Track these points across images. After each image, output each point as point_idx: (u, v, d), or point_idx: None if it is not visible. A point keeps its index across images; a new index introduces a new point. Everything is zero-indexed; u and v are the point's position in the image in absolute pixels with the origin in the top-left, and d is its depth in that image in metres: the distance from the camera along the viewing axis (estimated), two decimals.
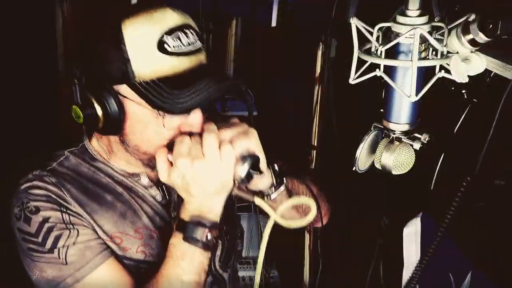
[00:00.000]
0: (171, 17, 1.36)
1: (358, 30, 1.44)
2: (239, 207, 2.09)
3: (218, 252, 1.68)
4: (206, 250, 1.39)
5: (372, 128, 1.60)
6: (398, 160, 1.53)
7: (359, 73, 1.49)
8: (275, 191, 1.52)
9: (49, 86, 3.29)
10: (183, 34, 1.36)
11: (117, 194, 1.57)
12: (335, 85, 2.85)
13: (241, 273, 3.22)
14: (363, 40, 1.47)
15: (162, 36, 1.32)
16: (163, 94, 1.31)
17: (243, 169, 1.36)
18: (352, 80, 1.50)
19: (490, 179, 1.77)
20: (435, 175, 2.11)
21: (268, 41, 3.78)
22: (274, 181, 1.53)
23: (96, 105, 1.36)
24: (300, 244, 3.22)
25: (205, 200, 1.37)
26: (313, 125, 3.12)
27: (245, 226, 3.11)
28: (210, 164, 1.32)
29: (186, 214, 1.39)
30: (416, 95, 1.39)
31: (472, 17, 1.33)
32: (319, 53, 3.03)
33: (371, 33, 1.45)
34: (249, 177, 1.38)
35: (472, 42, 1.34)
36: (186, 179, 1.33)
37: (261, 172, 1.42)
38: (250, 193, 1.45)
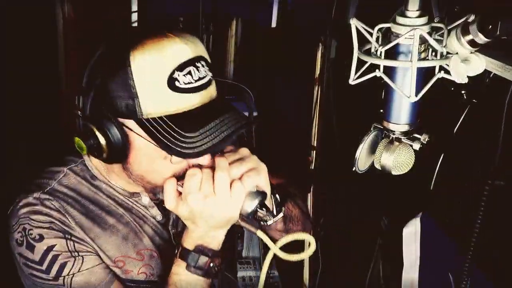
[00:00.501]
0: (182, 51, 1.28)
1: (357, 31, 1.45)
2: None
3: None
4: (208, 278, 1.40)
5: (372, 129, 1.60)
6: (398, 160, 1.53)
7: (359, 73, 1.49)
8: (273, 218, 1.51)
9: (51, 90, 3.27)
10: (194, 68, 1.29)
11: (119, 216, 1.55)
12: (335, 85, 2.86)
13: (240, 273, 3.22)
14: (363, 41, 1.47)
15: (173, 73, 1.25)
16: (172, 135, 1.25)
17: (251, 206, 1.36)
18: (352, 81, 1.49)
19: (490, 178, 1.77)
20: (435, 175, 2.11)
21: (268, 41, 3.77)
22: (274, 210, 1.52)
23: (98, 135, 1.30)
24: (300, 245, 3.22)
25: (209, 231, 1.37)
26: (312, 125, 3.12)
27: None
28: (220, 202, 1.31)
29: (189, 242, 1.39)
30: (416, 95, 1.39)
31: (472, 17, 1.33)
32: (319, 53, 3.03)
33: (371, 34, 1.45)
34: (255, 213, 1.40)
35: (472, 43, 1.34)
36: (194, 213, 1.32)
37: (267, 210, 1.41)
38: (253, 224, 1.44)
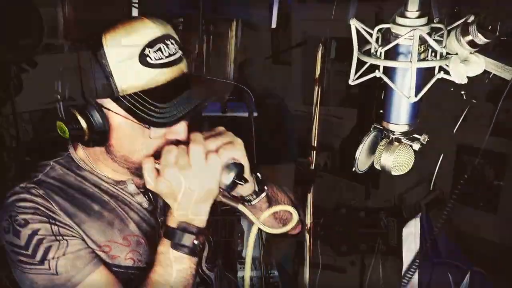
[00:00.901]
0: (151, 29, 1.36)
1: (357, 31, 1.45)
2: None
3: (205, 254, 1.69)
4: (193, 255, 1.40)
5: (371, 129, 1.61)
6: (398, 161, 1.53)
7: (358, 74, 1.49)
8: (256, 197, 1.53)
9: None
10: (164, 45, 1.36)
11: (104, 203, 1.55)
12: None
13: (240, 273, 3.22)
14: (362, 41, 1.48)
15: (144, 49, 1.33)
16: (148, 107, 1.32)
17: (228, 178, 1.38)
18: (351, 81, 1.50)
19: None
20: (434, 175, 2.12)
21: (268, 42, 3.77)
22: (256, 188, 1.53)
23: (80, 119, 1.36)
24: (300, 244, 3.22)
25: (191, 207, 1.37)
26: (313, 126, 3.12)
27: (245, 228, 3.13)
28: (196, 174, 1.33)
29: (173, 220, 1.39)
30: (416, 96, 1.40)
31: (471, 18, 1.33)
32: (319, 54, 3.04)
33: (371, 35, 1.45)
34: (233, 185, 1.41)
35: (471, 43, 1.35)
36: (172, 187, 1.34)
37: (246, 181, 1.43)
38: (234, 200, 1.46)
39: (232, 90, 2.88)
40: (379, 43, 1.46)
